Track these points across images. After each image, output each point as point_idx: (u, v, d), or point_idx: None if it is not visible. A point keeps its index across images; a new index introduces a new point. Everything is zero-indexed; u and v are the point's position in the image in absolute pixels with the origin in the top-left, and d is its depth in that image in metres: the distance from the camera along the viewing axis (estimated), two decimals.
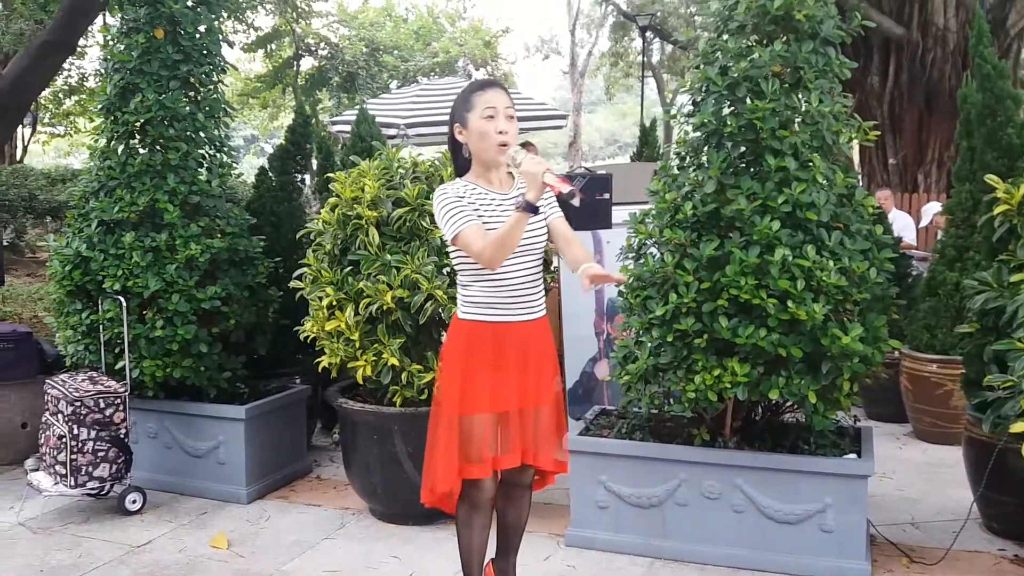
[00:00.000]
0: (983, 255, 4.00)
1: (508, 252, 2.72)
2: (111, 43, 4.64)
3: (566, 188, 2.63)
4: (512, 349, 2.88)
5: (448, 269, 3.99)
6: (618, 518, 3.86)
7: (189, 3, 4.64)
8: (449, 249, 2.95)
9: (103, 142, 4.65)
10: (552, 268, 4.80)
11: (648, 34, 22.59)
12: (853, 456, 3.67)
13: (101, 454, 4.22)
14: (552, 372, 3.00)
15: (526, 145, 7.88)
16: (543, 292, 2.99)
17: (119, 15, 4.62)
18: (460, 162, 2.98)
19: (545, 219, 2.92)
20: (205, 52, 4.68)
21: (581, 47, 30.39)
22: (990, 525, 4.12)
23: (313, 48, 22.03)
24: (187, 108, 4.57)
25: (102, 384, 4.32)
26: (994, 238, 3.70)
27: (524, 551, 3.85)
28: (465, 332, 2.90)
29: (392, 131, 8.65)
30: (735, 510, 3.68)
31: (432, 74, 21.60)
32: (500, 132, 2.81)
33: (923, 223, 8.74)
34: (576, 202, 2.66)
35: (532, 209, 2.64)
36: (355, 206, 4.09)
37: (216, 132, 4.74)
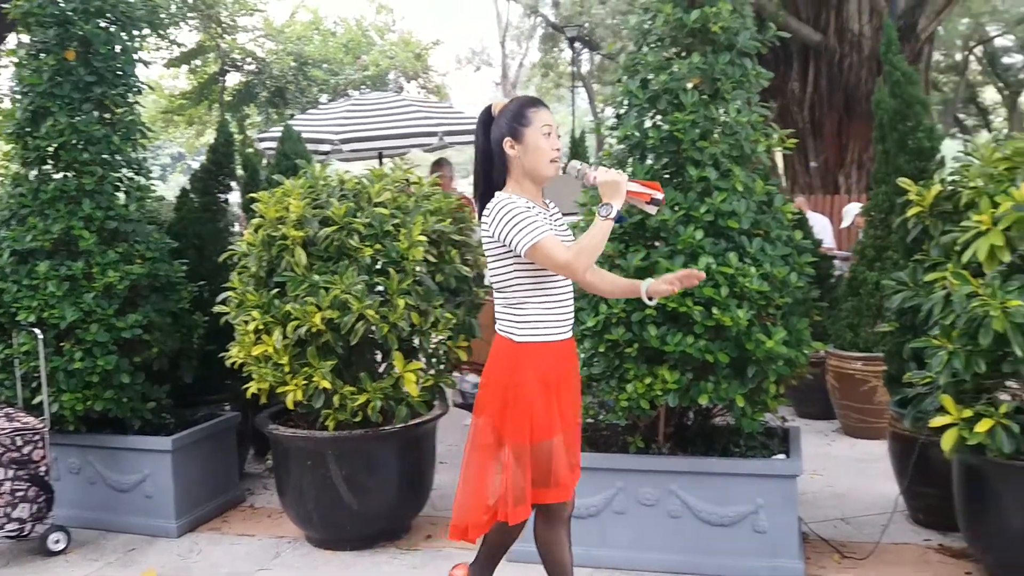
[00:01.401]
0: (900, 255, 4.12)
1: (593, 261, 2.74)
2: (19, 65, 4.50)
3: (658, 194, 2.72)
4: (565, 367, 2.87)
5: (381, 287, 3.95)
6: None
7: (101, 23, 4.53)
8: (500, 264, 2.81)
9: (14, 168, 4.51)
10: (486, 283, 4.80)
11: (577, 45, 22.81)
12: (782, 456, 3.74)
13: (20, 494, 4.05)
14: (579, 391, 3.05)
15: (439, 163, 7.87)
16: None
17: (29, 36, 4.49)
18: (495, 174, 2.88)
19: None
20: (119, 73, 4.56)
21: (512, 58, 30.58)
22: (916, 517, 4.24)
23: (239, 63, 21.74)
24: (102, 131, 4.44)
25: (19, 421, 4.15)
26: (909, 239, 3.81)
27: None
28: (527, 356, 2.78)
29: (325, 147, 8.55)
30: (671, 515, 3.71)
31: (363, 87, 21.47)
32: (555, 149, 2.81)
33: (845, 224, 8.95)
34: (654, 210, 2.79)
35: (620, 219, 2.69)
36: (280, 226, 4.03)
37: (133, 154, 4.62)
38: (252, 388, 4.08)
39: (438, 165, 7.59)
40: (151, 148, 4.62)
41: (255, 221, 4.16)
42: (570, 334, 2.89)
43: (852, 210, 9.09)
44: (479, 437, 2.88)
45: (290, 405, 3.99)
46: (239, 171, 5.92)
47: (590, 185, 2.78)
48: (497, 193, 2.80)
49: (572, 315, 2.89)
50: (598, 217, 2.68)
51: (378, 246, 3.99)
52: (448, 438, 5.95)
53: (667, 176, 3.82)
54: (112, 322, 4.31)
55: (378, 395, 3.96)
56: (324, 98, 20.74)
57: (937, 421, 3.37)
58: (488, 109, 2.91)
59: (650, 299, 2.89)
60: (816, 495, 4.64)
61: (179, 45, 20.50)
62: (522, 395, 2.76)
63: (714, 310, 3.47)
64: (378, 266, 4.01)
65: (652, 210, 2.77)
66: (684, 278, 2.86)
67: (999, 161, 3.50)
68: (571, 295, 2.88)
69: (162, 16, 18.12)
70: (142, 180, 4.68)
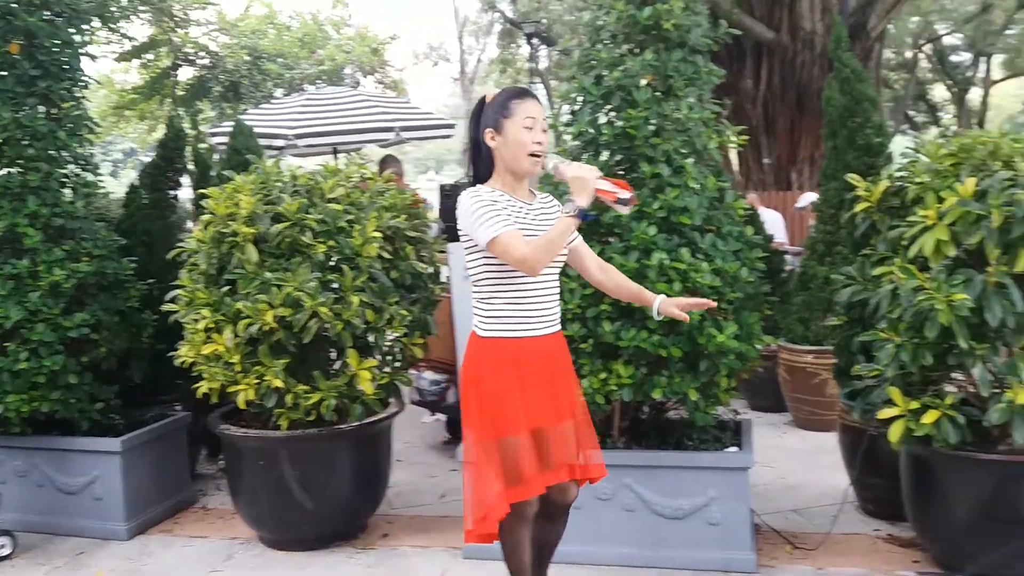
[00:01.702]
0: (848, 250, 4.18)
1: (552, 259, 2.68)
2: None
3: (625, 194, 2.66)
4: (538, 364, 2.80)
5: (334, 284, 3.92)
6: None
7: (46, 16, 4.43)
8: (472, 258, 2.81)
9: None
10: (443, 279, 4.79)
11: (535, 41, 22.79)
12: (734, 449, 3.78)
13: None
14: (576, 384, 3.00)
15: (387, 160, 7.81)
16: (559, 305, 2.93)
17: None
18: (481, 167, 2.87)
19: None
20: (65, 67, 4.47)
21: (470, 54, 30.50)
22: (865, 507, 4.31)
23: (192, 57, 21.40)
24: (47, 126, 4.35)
25: None
26: (857, 234, 3.87)
27: (421, 568, 3.87)
28: (490, 351, 2.78)
29: (280, 142, 8.46)
30: (626, 509, 3.73)
31: (319, 82, 21.26)
32: (536, 143, 2.76)
33: (799, 205, 9.11)
34: (626, 210, 2.72)
35: (584, 215, 2.62)
36: (230, 223, 3.97)
37: (80, 150, 4.53)
38: (203, 388, 4.03)
39: (386, 163, 7.53)
40: (102, 144, 4.54)
41: (205, 217, 4.10)
42: (548, 330, 2.83)
43: (809, 196, 9.23)
44: (467, 454, 2.89)
45: (242, 405, 3.94)
46: (190, 167, 5.83)
47: (559, 179, 2.77)
48: (475, 186, 2.81)
49: (550, 311, 2.83)
50: (562, 213, 2.66)
51: (331, 243, 3.96)
52: (405, 436, 5.95)
53: (621, 172, 3.84)
54: (59, 321, 4.23)
55: (332, 394, 3.93)
56: (279, 92, 20.48)
57: (885, 413, 3.43)
58: (482, 100, 2.88)
59: (658, 315, 2.88)
60: (768, 487, 4.70)
61: (130, 39, 20.12)
62: (486, 391, 2.76)
63: None
64: (332, 263, 3.97)
65: (622, 209, 2.73)
66: (696, 306, 2.88)
67: (945, 157, 3.57)
68: (547, 291, 2.82)
69: (112, 9, 17.74)
70: (89, 176, 4.60)
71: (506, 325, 2.78)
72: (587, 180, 2.64)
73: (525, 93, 2.87)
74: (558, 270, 2.87)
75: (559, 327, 2.90)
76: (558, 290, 2.89)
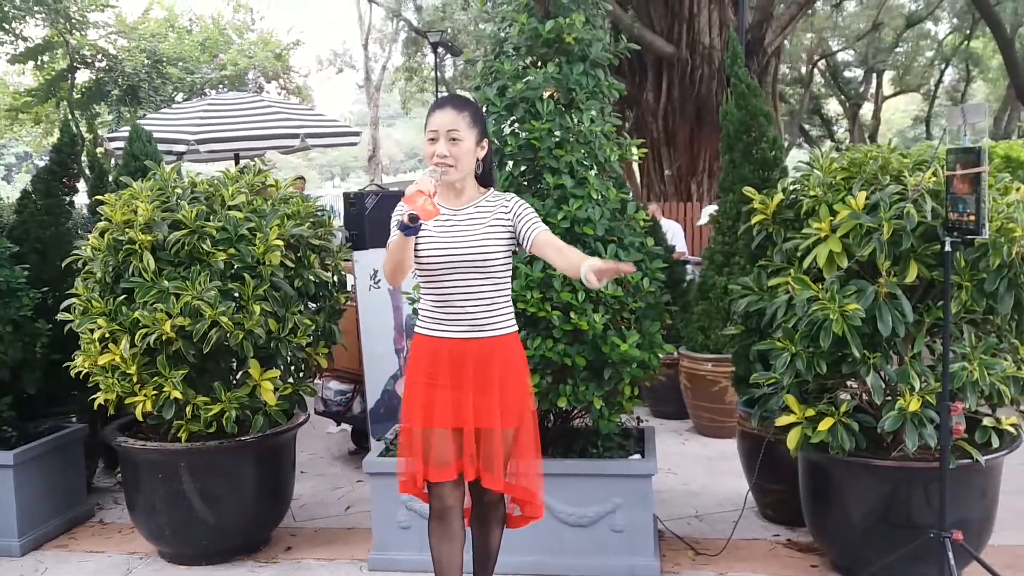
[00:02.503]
0: (746, 260, 4.30)
1: (398, 269, 2.77)
2: None
3: (408, 209, 2.58)
4: (446, 365, 2.84)
5: (236, 293, 3.85)
6: (421, 537, 3.75)
7: None
8: None
9: None
10: (348, 287, 4.75)
11: (440, 50, 22.82)
12: (638, 456, 3.84)
13: None
14: (509, 395, 2.88)
15: (297, 180, 7.74)
16: (502, 310, 2.89)
17: None
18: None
19: (498, 237, 2.86)
20: None
21: (375, 61, 30.35)
22: (765, 512, 4.43)
23: (89, 60, 20.71)
24: None
25: None
26: (753, 245, 3.98)
27: None
28: (413, 344, 2.97)
29: (180, 147, 8.26)
30: None
31: (221, 86, 20.82)
32: (441, 155, 2.80)
33: (700, 222, 9.32)
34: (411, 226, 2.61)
35: (404, 227, 2.61)
36: (127, 230, 3.86)
37: None
38: (99, 399, 3.90)
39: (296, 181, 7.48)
40: None
41: (101, 224, 3.98)
42: (470, 335, 2.84)
43: (709, 210, 9.49)
44: None
45: (139, 416, 3.83)
46: (86, 172, 5.64)
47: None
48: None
49: (472, 315, 2.84)
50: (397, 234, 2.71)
51: (232, 251, 3.88)
52: (310, 447, 5.87)
53: (525, 183, 3.89)
54: None
55: (233, 405, 3.85)
56: (180, 97, 19.99)
57: (782, 420, 3.54)
58: None
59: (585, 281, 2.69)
60: (671, 493, 4.79)
61: (24, 39, 19.39)
62: (407, 381, 2.97)
63: (572, 314, 3.56)
64: (232, 271, 3.90)
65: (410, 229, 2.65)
66: (614, 271, 2.71)
67: (837, 171, 3.69)
68: (468, 295, 2.83)
69: (5, 8, 17.08)
70: None
71: (425, 324, 2.93)
72: (425, 184, 2.66)
73: (436, 104, 2.93)
74: (484, 276, 2.84)
75: (489, 333, 2.87)
76: (490, 295, 2.86)
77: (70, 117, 5.58)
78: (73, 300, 3.99)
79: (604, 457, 3.84)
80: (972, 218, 3.01)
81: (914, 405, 3.24)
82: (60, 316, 4.06)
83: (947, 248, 3.15)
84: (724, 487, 4.84)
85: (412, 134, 49.12)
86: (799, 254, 3.56)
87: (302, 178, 8.12)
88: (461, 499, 3.00)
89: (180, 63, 20.92)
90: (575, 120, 3.77)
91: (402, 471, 3.00)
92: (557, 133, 3.74)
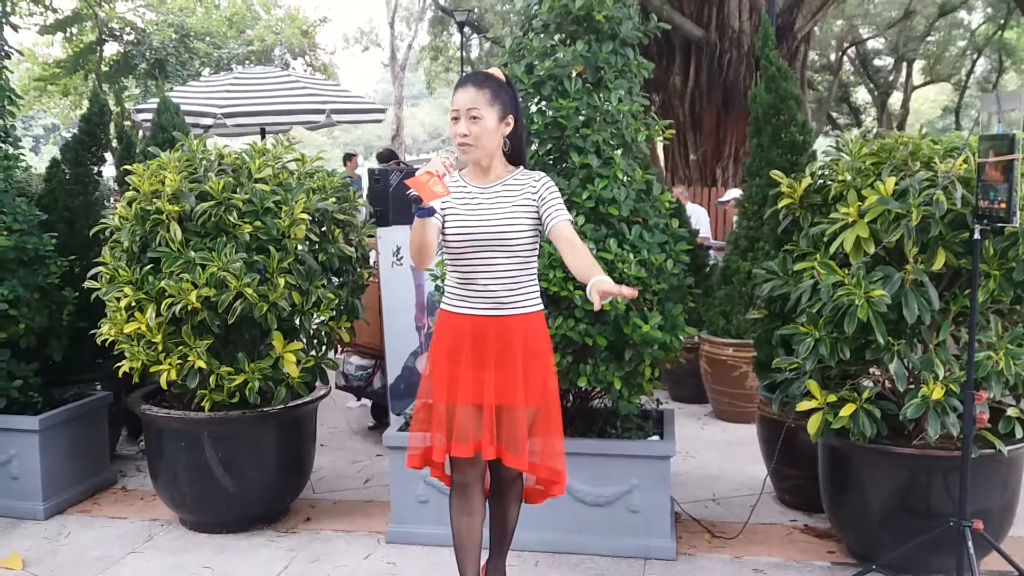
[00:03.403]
0: (770, 245, 4.27)
1: (422, 253, 2.78)
2: None
3: (413, 192, 2.60)
4: (468, 342, 2.86)
5: (260, 265, 3.88)
6: (439, 511, 3.86)
7: None
8: None
9: None
10: (371, 263, 4.77)
11: (466, 30, 22.73)
12: (656, 438, 3.85)
13: None
14: (532, 373, 2.88)
15: (349, 157, 7.75)
16: (527, 289, 2.90)
17: None
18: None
19: (523, 217, 2.85)
20: None
21: (401, 40, 30.25)
22: (782, 498, 4.42)
23: (118, 33, 20.79)
24: None
25: None
26: (779, 229, 3.95)
27: (343, 551, 3.86)
28: (440, 321, 2.99)
29: (207, 120, 8.29)
30: None
31: (247, 62, 20.86)
32: (461, 135, 2.82)
33: (724, 199, 9.28)
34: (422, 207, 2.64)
35: (419, 210, 2.64)
36: (155, 200, 3.89)
37: (0, 121, 4.40)
38: (124, 367, 3.95)
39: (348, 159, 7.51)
40: (24, 118, 4.39)
41: (129, 194, 4.01)
42: (494, 312, 2.85)
43: (733, 192, 9.45)
44: None
45: (164, 385, 3.87)
46: (114, 143, 5.68)
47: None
48: None
49: (496, 293, 2.84)
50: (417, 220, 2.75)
51: (258, 223, 3.90)
52: (330, 420, 5.92)
53: (551, 161, 3.88)
54: None
55: (256, 376, 3.88)
56: (206, 72, 20.04)
57: (803, 405, 3.52)
58: None
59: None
60: (688, 476, 4.80)
61: (54, 11, 19.49)
62: (430, 357, 2.99)
63: None
64: (257, 244, 3.92)
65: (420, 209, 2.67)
66: (615, 294, 2.70)
67: (866, 156, 3.65)
68: (492, 273, 2.84)
69: None
70: (9, 149, 4.47)
71: (449, 300, 2.95)
72: (435, 165, 2.69)
73: (459, 83, 2.93)
74: (509, 255, 2.84)
75: (513, 311, 2.87)
76: (515, 274, 2.86)
77: (99, 89, 5.61)
78: (100, 268, 4.03)
79: (623, 438, 3.85)
80: (1003, 206, 2.98)
81: (937, 393, 3.22)
82: (87, 284, 4.11)
83: (976, 236, 3.12)
84: (742, 472, 4.85)
85: (436, 114, 49.04)
86: (825, 239, 3.53)
87: (354, 155, 8.13)
88: (482, 475, 3.01)
89: (207, 38, 20.99)
90: (603, 99, 3.76)
91: (415, 446, 3.02)
92: (584, 112, 3.73)
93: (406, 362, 5.29)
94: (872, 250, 3.36)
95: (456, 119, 2.84)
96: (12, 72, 4.68)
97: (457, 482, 3.00)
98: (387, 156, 9.50)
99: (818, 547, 3.90)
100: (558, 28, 3.89)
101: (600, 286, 2.56)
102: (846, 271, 3.38)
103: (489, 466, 3.04)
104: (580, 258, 2.74)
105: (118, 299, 3.89)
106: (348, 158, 13.20)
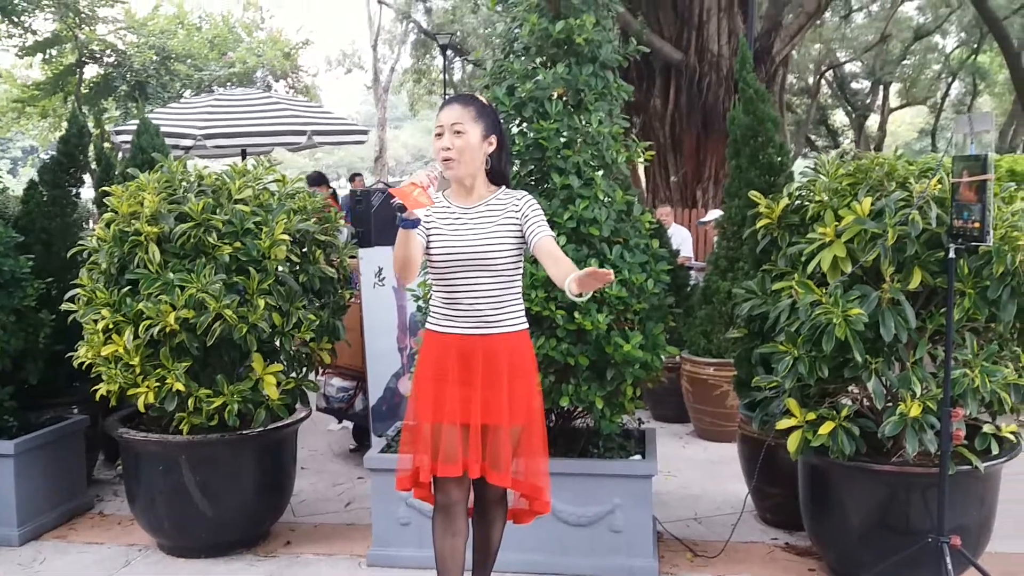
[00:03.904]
0: (750, 265, 4.30)
1: (406, 267, 2.80)
2: None
3: (397, 200, 2.62)
4: (455, 361, 2.87)
5: (240, 287, 3.86)
6: (421, 534, 3.80)
7: None
8: None
9: None
10: (352, 285, 4.76)
11: (449, 53, 22.87)
12: (638, 457, 3.85)
13: None
14: (517, 392, 2.89)
15: (353, 178, 7.74)
16: (511, 307, 2.91)
17: None
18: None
19: (507, 236, 2.88)
20: None
21: (384, 63, 30.33)
22: (764, 516, 4.43)
23: (98, 55, 20.76)
24: None
25: None
26: (758, 249, 3.99)
27: (323, 574, 3.81)
28: (424, 342, 3.00)
29: (187, 141, 8.27)
30: None
31: (229, 84, 20.86)
32: (444, 148, 2.85)
33: (705, 219, 9.35)
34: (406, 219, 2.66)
35: (403, 221, 2.67)
36: (133, 222, 3.88)
37: None
38: (102, 390, 3.91)
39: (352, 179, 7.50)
40: (1, 141, 4.36)
41: (107, 216, 4.00)
42: (479, 331, 2.86)
43: (714, 213, 9.50)
44: None
45: (141, 408, 3.84)
46: (92, 165, 5.66)
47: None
48: None
49: (481, 312, 2.86)
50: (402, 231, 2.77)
51: (238, 244, 3.89)
52: (310, 443, 5.87)
53: (532, 182, 3.90)
54: None
55: (236, 398, 3.86)
56: (188, 94, 20.02)
57: (783, 423, 3.54)
58: None
59: (570, 293, 2.72)
60: (670, 496, 4.79)
61: (33, 33, 19.44)
62: (415, 376, 3.00)
63: (576, 314, 3.57)
64: (237, 265, 3.90)
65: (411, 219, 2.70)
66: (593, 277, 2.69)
67: (843, 177, 3.70)
68: (476, 292, 2.86)
69: (16, 1, 17.12)
70: None
71: (435, 320, 2.96)
72: (419, 177, 2.71)
73: (444, 103, 2.98)
74: (493, 274, 2.86)
75: (499, 330, 2.88)
76: (499, 293, 2.88)
77: (78, 111, 5.58)
78: (78, 291, 4.00)
79: (605, 457, 3.85)
80: (977, 225, 3.02)
81: (915, 410, 3.25)
82: (64, 306, 4.08)
83: (951, 255, 3.16)
84: (723, 491, 4.85)
85: (419, 136, 49.12)
86: (803, 259, 3.57)
87: (359, 175, 8.11)
88: (466, 495, 3.00)
89: (188, 60, 20.98)
90: (583, 121, 3.79)
91: (403, 467, 3.01)
92: (565, 133, 3.76)
93: (388, 383, 5.27)
94: (849, 269, 3.40)
95: (440, 135, 2.87)
96: None
97: (441, 503, 2.97)
98: (316, 179, 9.43)
99: (799, 565, 3.91)
100: (539, 51, 3.92)
101: (576, 275, 2.61)
102: (824, 290, 3.41)
103: (474, 486, 3.03)
104: (563, 267, 2.77)
105: (95, 321, 3.86)
106: (352, 178, 13.06)
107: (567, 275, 2.68)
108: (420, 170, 2.78)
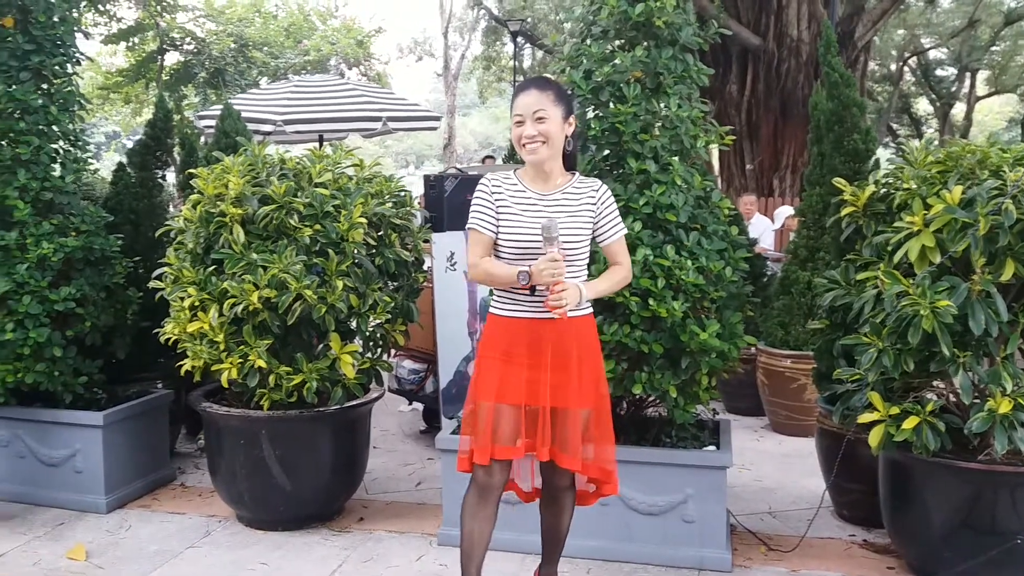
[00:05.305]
0: (832, 254, 4.21)
1: (491, 283, 2.96)
2: None
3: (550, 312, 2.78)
4: (524, 345, 2.89)
5: (319, 268, 3.93)
6: None
7: None
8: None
9: None
10: (425, 268, 4.80)
11: (519, 39, 22.82)
12: (712, 448, 3.80)
13: None
14: (585, 375, 2.91)
15: (487, 159, 7.74)
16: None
17: None
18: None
19: (582, 225, 2.93)
20: (59, 43, 4.45)
21: (454, 50, 30.42)
22: (841, 512, 4.34)
23: (178, 43, 21.26)
24: (39, 100, 4.34)
25: None
26: (842, 238, 3.90)
27: (396, 552, 3.88)
28: (489, 323, 3.01)
29: (267, 127, 8.43)
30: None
31: (304, 72, 21.16)
32: (526, 136, 2.87)
33: (776, 225, 9.16)
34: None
35: (522, 276, 2.79)
36: (218, 203, 3.97)
37: (70, 126, 4.53)
38: (187, 365, 4.02)
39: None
40: (87, 125, 4.50)
41: (193, 197, 4.10)
42: (545, 315, 2.84)
43: (783, 212, 9.31)
44: None
45: (224, 383, 3.94)
46: (176, 149, 5.81)
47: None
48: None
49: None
50: (514, 270, 2.82)
51: (317, 227, 3.96)
52: (382, 424, 5.96)
53: (607, 167, 3.87)
54: (45, 294, 4.23)
55: (314, 376, 3.94)
56: (264, 81, 20.38)
57: (865, 417, 3.44)
58: None
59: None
60: (744, 488, 4.74)
61: (118, 21, 19.99)
62: (478, 358, 2.99)
63: (650, 301, 3.54)
64: (317, 247, 3.97)
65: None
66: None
67: (932, 164, 3.59)
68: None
69: None
70: (78, 152, 4.58)
71: (500, 304, 2.97)
72: (545, 277, 2.75)
73: (520, 88, 2.97)
74: (568, 260, 2.84)
75: (572, 313, 2.84)
76: (571, 278, 2.86)
77: (162, 94, 5.73)
78: (165, 269, 4.12)
79: (678, 447, 3.81)
80: None
81: (1005, 407, 3.14)
82: (151, 284, 4.21)
83: None
84: (799, 485, 4.78)
85: (487, 123, 49.19)
86: (889, 248, 3.47)
87: (492, 157, 8.15)
88: (505, 481, 3.00)
89: (265, 48, 21.34)
90: (661, 105, 3.75)
91: (464, 449, 3.00)
92: (642, 117, 3.72)
93: (458, 367, 5.31)
94: (938, 260, 3.29)
95: (520, 122, 2.87)
96: (82, 78, 4.82)
97: (481, 482, 2.95)
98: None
99: (877, 562, 3.83)
100: (617, 34, 3.89)
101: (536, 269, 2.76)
102: (910, 281, 3.31)
103: (542, 472, 3.05)
104: (611, 276, 3.02)
105: (182, 299, 3.97)
106: (484, 160, 13.14)
107: (605, 279, 3.00)
108: (543, 262, 2.75)
